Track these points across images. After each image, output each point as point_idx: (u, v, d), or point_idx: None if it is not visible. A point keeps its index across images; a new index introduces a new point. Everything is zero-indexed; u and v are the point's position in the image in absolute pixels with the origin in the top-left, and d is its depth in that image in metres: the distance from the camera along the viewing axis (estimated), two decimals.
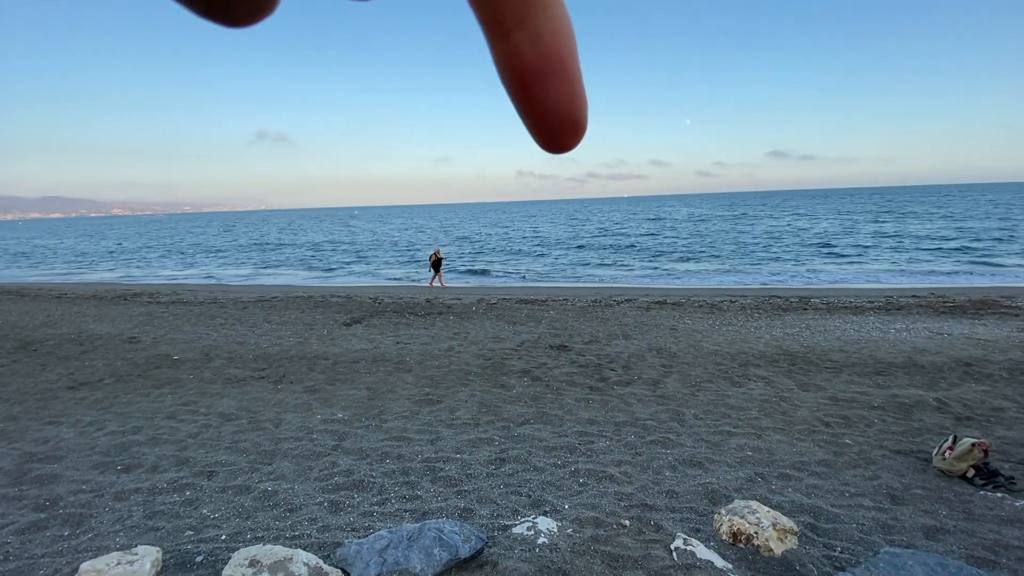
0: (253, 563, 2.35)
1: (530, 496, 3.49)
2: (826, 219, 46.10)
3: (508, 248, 32.93)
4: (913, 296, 12.69)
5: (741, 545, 2.85)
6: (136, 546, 2.55)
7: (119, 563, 2.36)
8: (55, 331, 9.77)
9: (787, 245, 28.18)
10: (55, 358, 7.74)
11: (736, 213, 62.83)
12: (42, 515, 3.34)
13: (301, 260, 30.78)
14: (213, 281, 22.86)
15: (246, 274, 25.59)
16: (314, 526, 3.16)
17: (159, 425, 4.97)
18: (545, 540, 2.82)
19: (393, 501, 3.49)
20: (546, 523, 2.98)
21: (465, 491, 3.59)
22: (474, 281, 20.41)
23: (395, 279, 22.34)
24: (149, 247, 44.62)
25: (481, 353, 7.57)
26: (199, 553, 2.83)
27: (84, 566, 2.34)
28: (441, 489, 3.64)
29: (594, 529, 2.99)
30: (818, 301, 12.21)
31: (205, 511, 3.39)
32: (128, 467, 4.07)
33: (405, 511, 3.33)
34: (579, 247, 31.74)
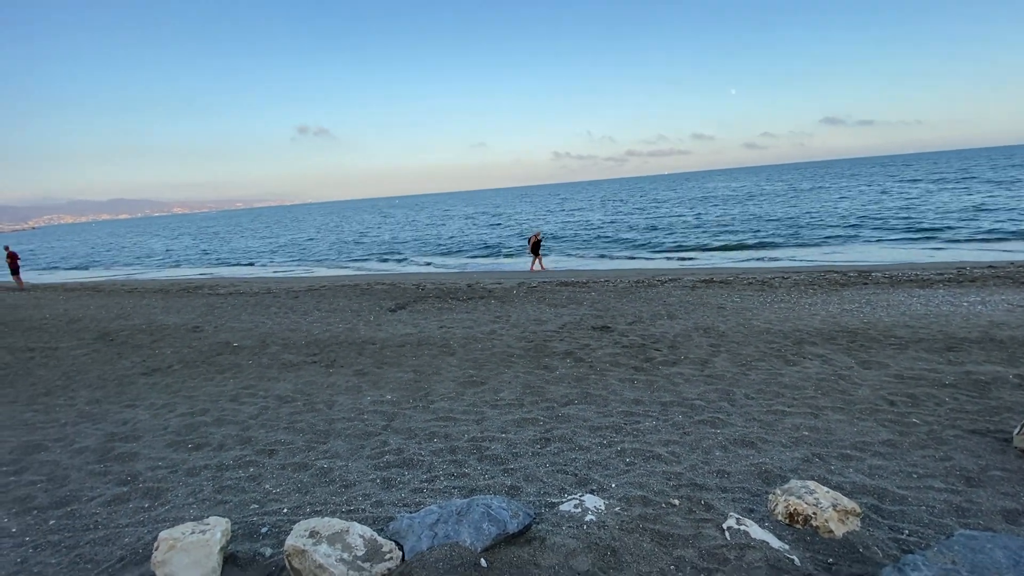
0: (313, 534, 2.47)
1: (576, 475, 3.49)
2: (885, 190, 43.08)
3: (548, 233, 32.68)
4: (989, 267, 11.73)
5: (798, 526, 2.75)
6: (207, 517, 2.73)
7: (193, 532, 2.53)
8: (128, 323, 10.53)
9: (842, 217, 26.60)
10: (129, 347, 8.34)
11: (786, 187, 59.68)
12: (124, 489, 3.63)
13: (351, 251, 31.73)
14: (267, 273, 23.95)
15: (301, 266, 26.63)
16: (368, 501, 3.28)
17: (223, 407, 5.29)
18: (593, 517, 2.81)
19: (442, 478, 3.57)
20: (593, 501, 2.98)
21: (511, 469, 3.63)
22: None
23: (447, 266, 22.67)
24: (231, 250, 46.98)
25: (523, 336, 7.58)
26: (264, 525, 3.00)
27: (163, 534, 2.53)
28: (488, 467, 3.69)
29: (642, 508, 2.96)
30: (879, 275, 11.49)
31: (268, 486, 3.58)
32: (198, 446, 4.36)
33: (453, 488, 3.40)
34: (615, 230, 31.11)
